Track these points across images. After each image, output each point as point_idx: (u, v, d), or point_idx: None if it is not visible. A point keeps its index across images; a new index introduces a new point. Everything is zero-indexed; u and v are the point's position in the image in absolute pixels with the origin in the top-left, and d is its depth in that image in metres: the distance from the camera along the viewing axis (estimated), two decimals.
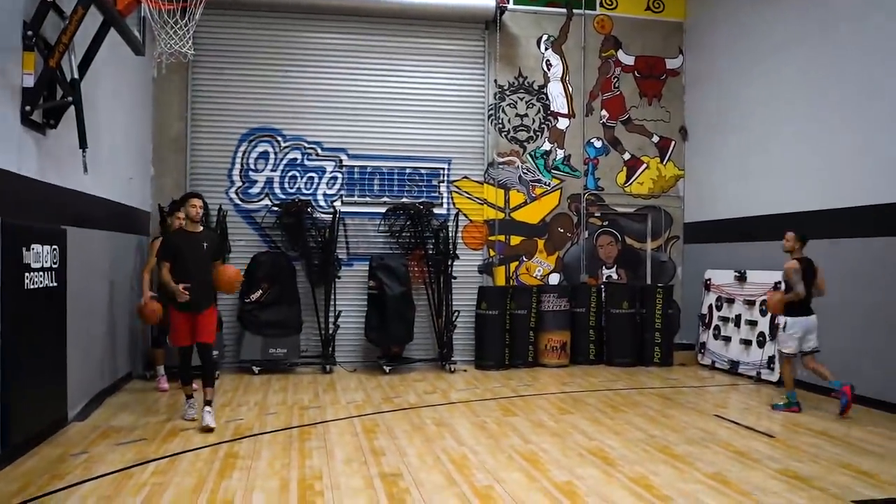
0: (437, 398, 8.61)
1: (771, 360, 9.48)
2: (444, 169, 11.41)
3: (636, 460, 5.98)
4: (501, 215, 11.59)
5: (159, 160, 10.57)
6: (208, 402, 6.93)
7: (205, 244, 7.06)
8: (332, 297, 10.57)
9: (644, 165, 12.08)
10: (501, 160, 11.58)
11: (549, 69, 11.83)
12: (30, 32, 5.92)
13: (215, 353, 9.18)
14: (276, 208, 10.71)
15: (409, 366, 10.63)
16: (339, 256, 10.78)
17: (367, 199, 11.15)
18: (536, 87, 11.76)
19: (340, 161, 11.10)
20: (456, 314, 10.74)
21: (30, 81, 5.94)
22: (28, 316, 5.85)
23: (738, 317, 10.30)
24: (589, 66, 11.92)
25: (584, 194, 11.86)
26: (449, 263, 10.80)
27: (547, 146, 11.78)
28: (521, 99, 11.69)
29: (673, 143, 12.17)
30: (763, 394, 8.98)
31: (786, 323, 8.01)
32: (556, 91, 11.87)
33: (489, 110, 11.55)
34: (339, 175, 11.09)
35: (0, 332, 5.38)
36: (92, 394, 7.70)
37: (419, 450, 6.26)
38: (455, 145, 11.44)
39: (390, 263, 10.54)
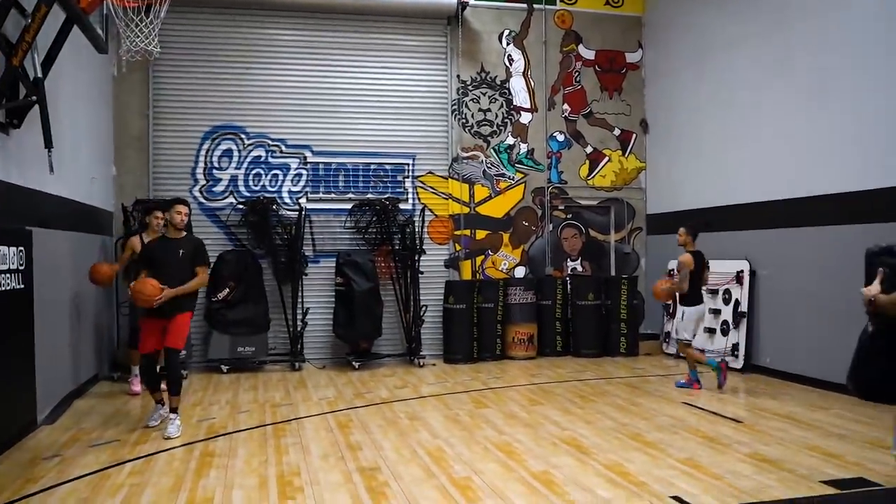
0: (408, 392, 8.65)
1: (735, 347, 9.69)
2: (408, 164, 11.44)
3: (609, 448, 6.09)
4: (466, 210, 11.65)
5: (121, 159, 10.43)
6: (173, 410, 6.74)
7: (181, 251, 6.86)
8: (300, 294, 10.55)
9: (606, 158, 12.24)
10: (465, 155, 11.64)
11: (510, 64, 11.92)
12: None
13: (183, 353, 9.16)
14: (241, 206, 10.65)
15: (378, 361, 10.65)
16: (306, 253, 10.76)
17: (333, 195, 11.13)
18: (499, 82, 11.84)
19: (305, 158, 11.06)
20: (423, 309, 10.80)
21: None
22: None
23: None
24: (550, 60, 12.03)
25: (548, 188, 11.98)
26: (415, 258, 10.85)
27: (510, 140, 11.87)
28: (484, 94, 11.77)
29: (634, 136, 12.34)
30: (728, 380, 9.15)
31: (683, 312, 8.63)
32: (518, 86, 11.96)
33: (452, 105, 11.60)
34: (304, 172, 11.06)
35: None
36: (60, 396, 7.59)
37: (395, 444, 6.30)
38: (419, 141, 11.47)
39: (357, 259, 10.54)
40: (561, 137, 12.06)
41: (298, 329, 10.35)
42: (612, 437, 6.44)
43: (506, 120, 11.84)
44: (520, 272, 11.81)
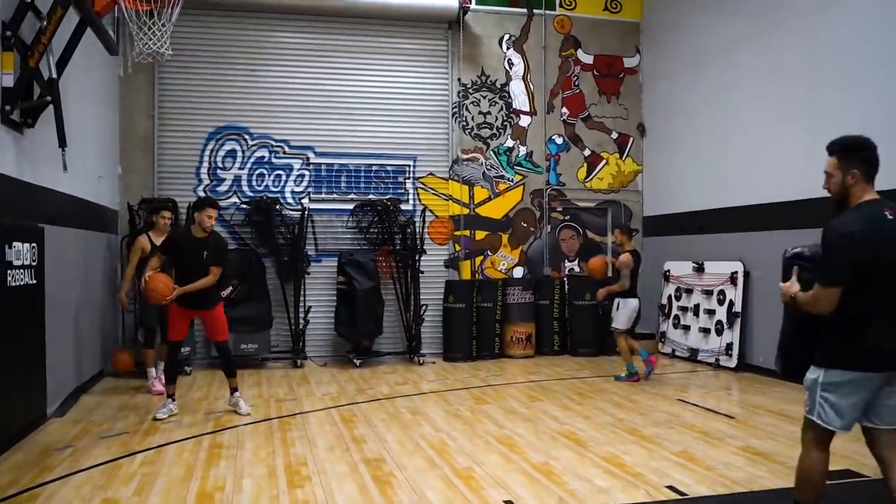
0: (409, 389, 8.82)
1: (729, 346, 9.88)
2: (409, 166, 11.62)
3: (607, 442, 6.27)
4: (466, 211, 11.83)
5: (127, 159, 10.59)
6: (235, 390, 7.41)
7: (205, 252, 7.09)
8: (302, 292, 10.73)
9: (604, 161, 12.43)
10: (465, 157, 11.83)
11: (510, 68, 12.11)
12: (8, 33, 6.00)
13: (187, 349, 9.35)
14: (244, 206, 10.81)
15: (379, 359, 10.83)
16: (308, 253, 10.94)
17: (335, 195, 11.31)
18: (499, 86, 12.03)
19: (307, 159, 11.24)
20: (424, 308, 10.98)
21: (9, 81, 6.02)
22: (11, 313, 5.93)
23: (697, 306, 10.69)
24: (549, 64, 12.22)
25: (547, 190, 12.17)
26: (416, 258, 11.03)
27: (510, 143, 12.05)
28: (484, 97, 11.95)
29: (631, 139, 12.54)
30: (722, 379, 9.37)
31: (619, 304, 9.15)
32: (517, 89, 12.15)
33: (453, 108, 11.79)
34: (307, 172, 11.23)
35: None
36: (68, 391, 7.76)
37: (398, 437, 6.47)
38: (420, 143, 11.66)
39: (359, 259, 10.72)
40: (559, 140, 12.25)
41: (301, 327, 10.52)
42: (610, 432, 6.62)
43: (505, 123, 12.03)
44: (518, 272, 11.99)
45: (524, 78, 12.15)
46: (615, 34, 12.51)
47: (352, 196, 11.34)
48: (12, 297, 5.93)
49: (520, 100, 12.13)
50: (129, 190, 10.45)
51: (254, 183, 11.05)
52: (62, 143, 6.54)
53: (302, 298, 10.70)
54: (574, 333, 11.48)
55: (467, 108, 11.84)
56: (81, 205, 8.35)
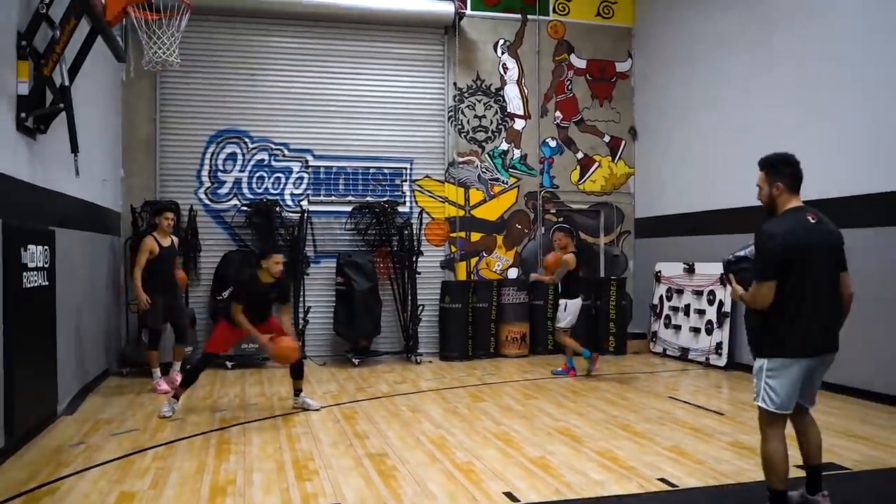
0: (407, 387, 9.05)
1: (719, 346, 10.13)
2: (406, 168, 11.84)
3: (601, 437, 6.52)
4: (462, 213, 12.07)
5: (129, 162, 10.78)
6: (301, 391, 7.79)
7: (271, 295, 7.56)
8: (301, 293, 10.94)
9: (596, 164, 12.68)
10: (461, 160, 12.06)
11: (505, 72, 12.34)
12: (24, 42, 6.19)
13: (189, 349, 9.54)
14: (244, 208, 11.01)
15: (377, 358, 11.05)
16: (307, 254, 11.15)
17: (333, 198, 11.52)
18: (494, 90, 12.26)
19: (306, 162, 11.45)
20: (421, 308, 11.21)
21: (24, 89, 6.20)
22: (26, 313, 6.13)
23: (688, 306, 10.95)
24: (543, 69, 12.46)
25: (540, 192, 12.41)
26: (413, 259, 11.26)
27: (504, 146, 12.29)
28: (479, 101, 12.18)
29: (623, 142, 12.79)
30: (712, 377, 9.63)
31: (566, 304, 9.60)
32: (512, 93, 12.39)
33: (449, 112, 12.01)
34: (306, 175, 11.44)
35: (3, 329, 5.66)
36: (76, 389, 7.96)
37: (399, 433, 6.70)
38: (417, 146, 11.89)
39: (357, 260, 10.94)
40: (553, 143, 12.50)
41: (300, 327, 10.73)
42: (603, 428, 6.87)
43: (500, 126, 12.26)
44: (513, 273, 12.23)
45: (518, 82, 12.39)
46: (608, 39, 12.75)
47: (350, 198, 11.55)
48: (28, 298, 6.14)
49: (514, 104, 12.37)
50: (131, 192, 10.63)
51: (254, 185, 11.25)
52: (74, 148, 6.74)
53: (301, 299, 10.92)
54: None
55: (463, 112, 12.07)
56: (87, 207, 8.54)
